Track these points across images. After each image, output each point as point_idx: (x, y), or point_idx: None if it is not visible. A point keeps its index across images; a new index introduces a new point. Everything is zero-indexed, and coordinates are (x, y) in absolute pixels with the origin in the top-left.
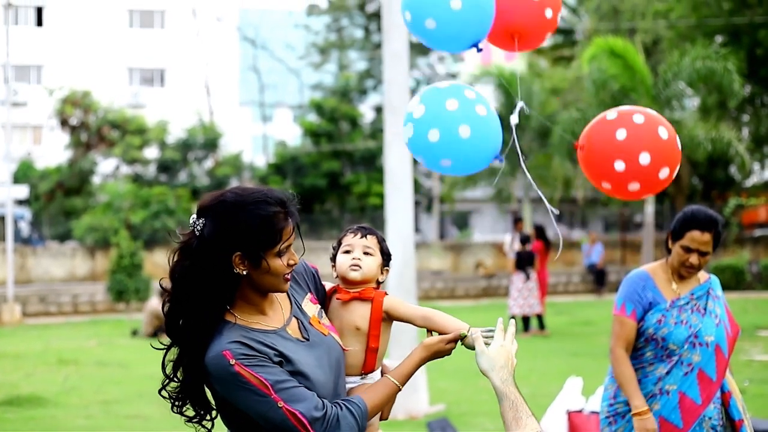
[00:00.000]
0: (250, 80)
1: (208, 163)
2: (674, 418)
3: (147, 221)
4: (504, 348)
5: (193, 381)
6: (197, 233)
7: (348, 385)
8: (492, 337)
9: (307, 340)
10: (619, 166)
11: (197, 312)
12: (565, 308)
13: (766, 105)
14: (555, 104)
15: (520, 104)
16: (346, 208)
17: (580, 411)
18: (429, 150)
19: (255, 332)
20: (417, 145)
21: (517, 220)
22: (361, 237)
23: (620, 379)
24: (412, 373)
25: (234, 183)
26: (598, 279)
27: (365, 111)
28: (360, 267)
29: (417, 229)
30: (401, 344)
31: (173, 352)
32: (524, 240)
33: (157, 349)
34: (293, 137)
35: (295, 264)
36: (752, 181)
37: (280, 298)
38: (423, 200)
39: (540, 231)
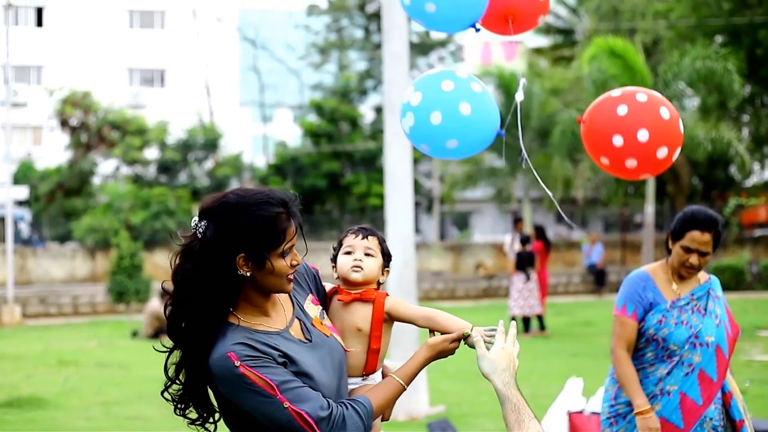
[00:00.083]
0: (250, 81)
1: (209, 164)
2: (675, 419)
3: (147, 222)
4: (505, 350)
5: (196, 383)
6: (199, 236)
7: (349, 387)
8: (494, 337)
9: (310, 341)
10: (618, 141)
11: (201, 314)
12: (565, 309)
13: (766, 105)
14: (555, 104)
15: (522, 81)
16: (346, 208)
17: (580, 412)
18: (433, 134)
19: (259, 333)
20: (420, 133)
21: (517, 221)
22: (363, 238)
23: (622, 379)
24: (417, 373)
25: (234, 184)
26: (598, 279)
27: (365, 111)
28: (361, 268)
29: (417, 230)
30: (402, 345)
31: (175, 355)
32: (524, 240)
33: (159, 351)
34: (293, 138)
35: (298, 264)
36: (752, 181)
37: (283, 300)
38: (423, 201)
39: (540, 231)
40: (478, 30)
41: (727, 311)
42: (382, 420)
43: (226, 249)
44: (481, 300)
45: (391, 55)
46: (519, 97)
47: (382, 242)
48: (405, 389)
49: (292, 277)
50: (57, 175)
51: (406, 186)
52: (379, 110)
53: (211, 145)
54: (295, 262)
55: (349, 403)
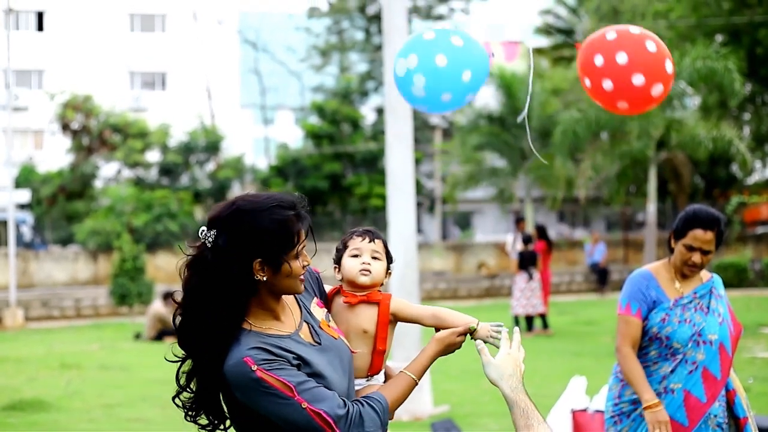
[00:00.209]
0: (251, 83)
1: (210, 166)
2: (679, 417)
3: (149, 225)
4: (511, 356)
5: (209, 390)
6: (209, 245)
7: (355, 388)
8: (500, 332)
9: (319, 344)
10: (598, 60)
11: (216, 322)
12: (568, 308)
13: (766, 103)
14: (556, 104)
15: (530, 50)
16: (348, 209)
17: (584, 410)
18: (437, 76)
19: (271, 337)
20: (434, 88)
21: (519, 220)
22: (369, 241)
23: (629, 376)
24: (427, 367)
25: (236, 186)
26: (601, 278)
27: (366, 113)
28: (370, 272)
29: (419, 230)
30: (404, 346)
31: (186, 363)
32: (527, 240)
33: (171, 361)
34: (295, 139)
35: (308, 265)
36: (754, 179)
37: (290, 304)
38: (425, 201)
39: (542, 231)
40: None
41: (729, 310)
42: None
43: (242, 255)
44: (483, 299)
45: (392, 56)
46: (531, 60)
47: (386, 245)
48: (417, 384)
49: (303, 278)
50: (59, 179)
51: (407, 187)
52: (380, 111)
53: (213, 147)
54: (306, 263)
55: (365, 401)
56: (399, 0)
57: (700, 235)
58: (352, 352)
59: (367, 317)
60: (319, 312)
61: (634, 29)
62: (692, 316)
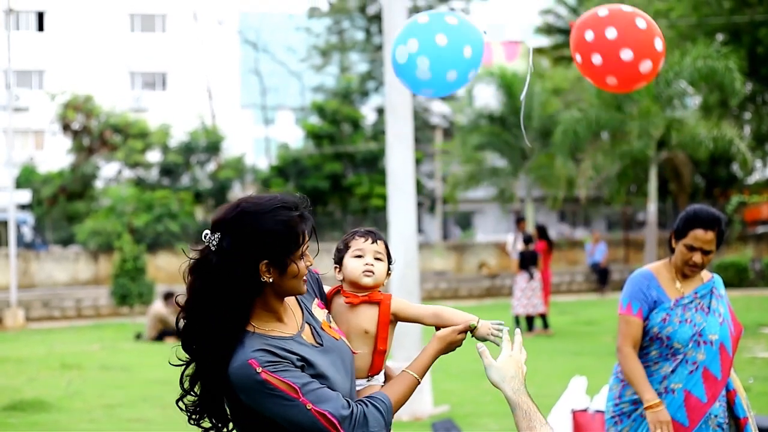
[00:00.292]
0: (251, 83)
1: (211, 167)
2: (680, 417)
3: (150, 225)
4: (512, 358)
5: (213, 394)
6: (213, 248)
7: (356, 388)
8: (501, 330)
9: (321, 345)
10: (589, 36)
11: (221, 325)
12: (568, 307)
13: (767, 103)
14: (556, 104)
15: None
16: (349, 209)
17: (584, 410)
18: (440, 55)
19: (274, 339)
20: (439, 66)
21: (520, 220)
22: (372, 242)
23: (630, 375)
24: (429, 366)
25: (236, 186)
26: (602, 278)
27: (367, 113)
28: (373, 273)
29: (420, 230)
30: (405, 347)
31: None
32: (527, 240)
33: (175, 365)
34: (295, 139)
35: (311, 265)
36: (754, 178)
37: (292, 305)
38: (426, 201)
39: (542, 231)
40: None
41: (729, 310)
42: None
43: (248, 257)
44: (484, 299)
45: None
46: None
47: (387, 245)
48: (419, 383)
49: (306, 278)
50: (59, 179)
51: (408, 186)
52: (380, 111)
53: (213, 147)
54: (309, 263)
55: (368, 401)
56: (399, 0)
57: (701, 235)
58: (353, 352)
59: (368, 317)
60: (320, 313)
61: (626, 8)
62: (693, 316)
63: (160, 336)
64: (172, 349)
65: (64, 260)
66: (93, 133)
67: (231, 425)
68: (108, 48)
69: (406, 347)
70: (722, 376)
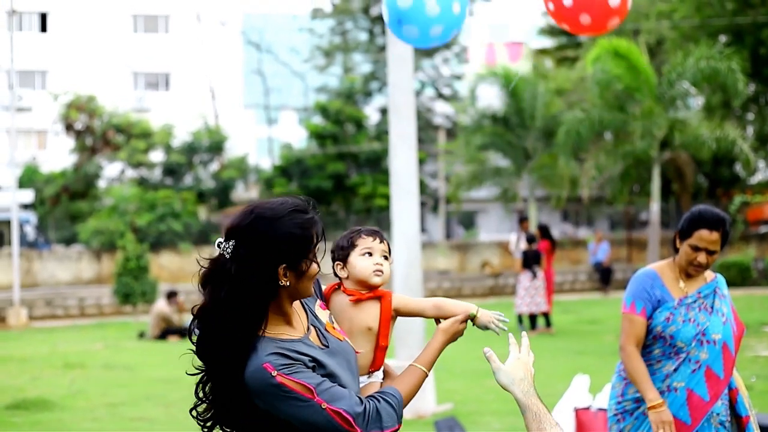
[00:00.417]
0: (254, 83)
1: (214, 167)
2: (682, 415)
3: (153, 224)
4: (521, 360)
5: (227, 401)
6: (227, 255)
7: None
8: (503, 321)
9: (327, 347)
10: None
11: (241, 332)
12: (571, 306)
13: None
14: (559, 105)
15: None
16: (352, 209)
17: (587, 408)
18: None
19: (285, 342)
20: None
21: (523, 220)
22: (380, 242)
23: (633, 375)
24: (436, 359)
25: (240, 186)
26: (604, 277)
27: (370, 113)
28: (383, 272)
29: (423, 230)
30: (408, 345)
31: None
32: (531, 239)
33: (191, 375)
34: (298, 140)
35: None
36: (757, 178)
37: (297, 308)
38: (429, 201)
39: (545, 230)
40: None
41: (732, 309)
42: None
43: (267, 262)
44: (487, 298)
45: (396, 57)
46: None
47: (389, 245)
48: (427, 376)
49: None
50: (62, 179)
51: (411, 187)
52: (384, 112)
53: (216, 147)
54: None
55: (380, 396)
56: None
57: (706, 236)
58: (356, 352)
59: (370, 314)
60: (322, 314)
61: None
62: (696, 315)
63: (163, 335)
64: (184, 353)
65: (66, 259)
66: (96, 133)
67: None
68: (111, 48)
69: (409, 345)
70: (725, 375)
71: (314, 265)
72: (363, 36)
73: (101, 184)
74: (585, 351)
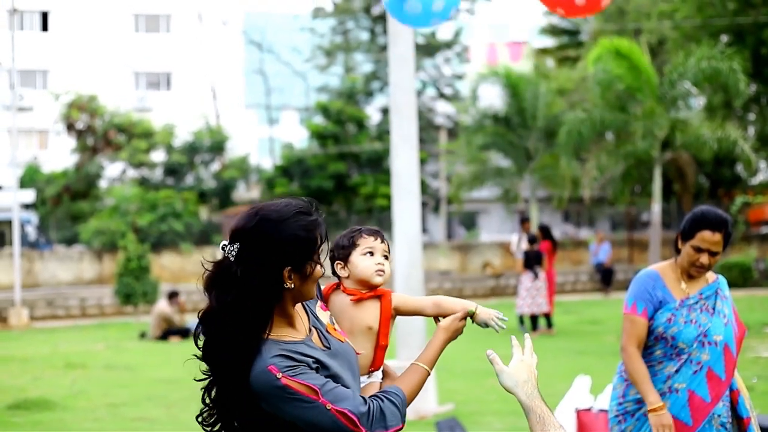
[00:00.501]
0: (256, 83)
1: (215, 166)
2: (684, 416)
3: (154, 224)
4: (524, 362)
5: (231, 404)
6: (232, 258)
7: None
8: (502, 319)
9: (329, 348)
10: None
11: (246, 336)
12: (572, 307)
13: None
14: (561, 104)
15: None
16: (353, 209)
17: (588, 409)
18: None
19: (288, 344)
20: None
21: (524, 220)
22: (381, 241)
23: (634, 376)
24: (438, 357)
25: (241, 186)
26: (606, 278)
27: (371, 113)
28: (385, 272)
29: (424, 230)
30: (409, 346)
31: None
32: (532, 240)
33: (199, 380)
34: (300, 139)
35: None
36: (758, 179)
37: (299, 310)
38: (430, 201)
39: (545, 231)
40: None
41: (733, 311)
42: None
43: (273, 265)
44: (489, 299)
45: (397, 57)
46: None
47: (389, 245)
48: (429, 374)
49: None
50: (63, 179)
51: (413, 187)
52: (385, 111)
53: (218, 147)
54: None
55: (383, 396)
56: None
57: (709, 237)
58: (357, 353)
59: (371, 313)
60: (323, 315)
61: None
62: (698, 316)
63: (165, 335)
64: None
65: (68, 260)
66: (97, 133)
67: None
68: (112, 48)
69: (411, 346)
70: (726, 376)
71: (318, 267)
72: (364, 35)
73: (102, 184)
74: (586, 351)
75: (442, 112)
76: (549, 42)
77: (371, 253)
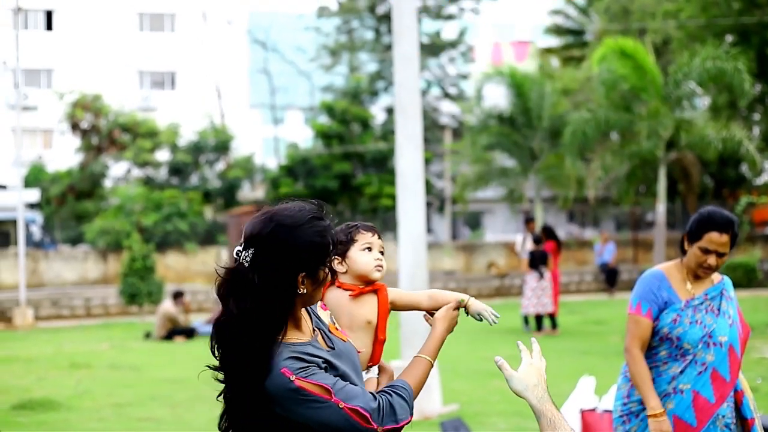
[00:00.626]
0: (260, 83)
1: (220, 166)
2: (688, 417)
3: (159, 224)
4: (533, 366)
5: (249, 409)
6: (246, 264)
7: None
8: (495, 315)
9: (333, 348)
10: None
11: (264, 341)
12: (577, 307)
13: None
14: (565, 104)
15: None
16: (358, 209)
17: (593, 410)
18: None
19: (296, 345)
20: None
21: (529, 221)
22: (378, 237)
23: (636, 379)
24: (440, 348)
25: (246, 185)
26: (610, 278)
27: (376, 112)
28: (383, 267)
29: (429, 230)
30: (413, 346)
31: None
32: (537, 240)
33: (220, 381)
34: (304, 139)
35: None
36: (763, 179)
37: (302, 311)
38: (435, 201)
39: (549, 231)
40: None
41: (738, 312)
42: None
43: (289, 271)
44: (493, 299)
45: (402, 57)
46: None
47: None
48: (432, 366)
49: None
50: (68, 178)
51: (417, 187)
52: (390, 111)
53: (222, 147)
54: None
55: (391, 390)
56: (409, 0)
57: (716, 238)
58: (358, 351)
59: (369, 308)
60: (324, 315)
61: None
62: (703, 317)
63: (169, 335)
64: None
65: (72, 259)
66: (102, 133)
67: None
68: (117, 47)
69: (415, 346)
70: (731, 377)
71: (327, 272)
72: (369, 35)
73: (107, 183)
74: (590, 352)
75: (447, 112)
76: (554, 42)
77: (369, 249)
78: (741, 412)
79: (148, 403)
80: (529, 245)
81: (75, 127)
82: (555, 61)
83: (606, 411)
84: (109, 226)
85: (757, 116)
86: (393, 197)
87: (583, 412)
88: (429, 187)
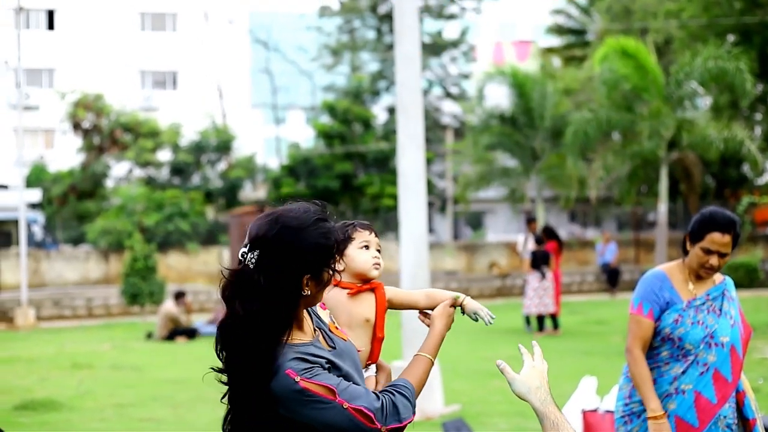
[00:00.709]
0: (262, 82)
1: (221, 166)
2: (690, 418)
3: (160, 224)
4: (536, 369)
5: (254, 411)
6: (251, 266)
7: None
8: (492, 316)
9: (334, 348)
10: None
11: (270, 342)
12: (578, 307)
13: None
14: (567, 104)
15: None
16: (360, 209)
17: (595, 410)
18: None
19: (300, 346)
20: None
21: (531, 221)
22: (375, 235)
23: (636, 380)
24: (439, 345)
25: (247, 185)
26: (612, 278)
27: (378, 112)
28: (381, 265)
29: (431, 230)
30: (415, 346)
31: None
32: (539, 240)
33: (223, 382)
34: (306, 139)
35: None
36: (765, 179)
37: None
38: (436, 201)
39: (550, 232)
40: None
41: (740, 312)
42: None
43: (295, 273)
44: (495, 299)
45: (403, 56)
46: None
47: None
48: (433, 363)
49: None
50: (69, 178)
51: (419, 187)
52: (391, 111)
53: (224, 147)
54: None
55: (393, 389)
56: None
57: (718, 239)
58: (358, 350)
59: (367, 306)
60: (324, 315)
61: None
62: (705, 318)
63: (171, 335)
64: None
65: (74, 259)
66: (103, 132)
67: None
68: (118, 47)
69: (416, 347)
70: (733, 378)
71: (330, 274)
72: (371, 34)
73: (109, 183)
74: (592, 352)
75: (449, 112)
76: (555, 41)
77: (367, 247)
78: (743, 413)
79: (150, 403)
80: (531, 245)
81: (76, 126)
82: (557, 61)
83: (608, 411)
84: (111, 226)
85: (758, 116)
86: (395, 197)
87: (584, 413)
88: (431, 187)
